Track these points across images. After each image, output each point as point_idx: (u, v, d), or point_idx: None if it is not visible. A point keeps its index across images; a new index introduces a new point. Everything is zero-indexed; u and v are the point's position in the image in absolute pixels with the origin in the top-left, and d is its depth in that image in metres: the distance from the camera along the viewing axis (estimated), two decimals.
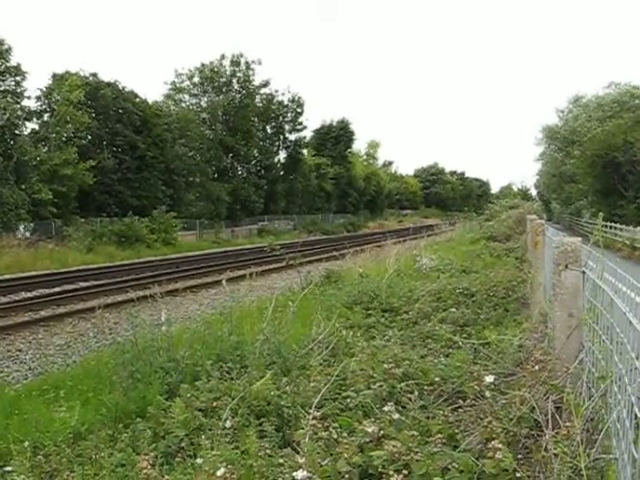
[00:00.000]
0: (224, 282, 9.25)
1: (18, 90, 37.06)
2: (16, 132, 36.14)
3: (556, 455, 2.98)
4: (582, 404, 3.32)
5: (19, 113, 36.43)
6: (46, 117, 40.92)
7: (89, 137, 45.11)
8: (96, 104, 44.61)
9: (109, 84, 46.29)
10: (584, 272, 4.11)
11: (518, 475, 3.07)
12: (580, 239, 4.33)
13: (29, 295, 20.05)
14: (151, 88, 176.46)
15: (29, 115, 38.80)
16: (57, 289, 21.52)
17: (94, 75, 46.42)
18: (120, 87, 47.32)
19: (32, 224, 36.68)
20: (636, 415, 2.39)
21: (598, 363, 3.51)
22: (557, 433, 3.13)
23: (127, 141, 45.66)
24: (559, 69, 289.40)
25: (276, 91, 68.79)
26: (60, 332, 14.14)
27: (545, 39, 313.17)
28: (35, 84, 60.70)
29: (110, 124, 45.28)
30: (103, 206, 43.90)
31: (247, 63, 63.17)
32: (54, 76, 41.58)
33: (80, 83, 40.84)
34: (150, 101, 52.08)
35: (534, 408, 3.54)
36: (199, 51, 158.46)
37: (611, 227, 35.84)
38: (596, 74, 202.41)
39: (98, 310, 9.50)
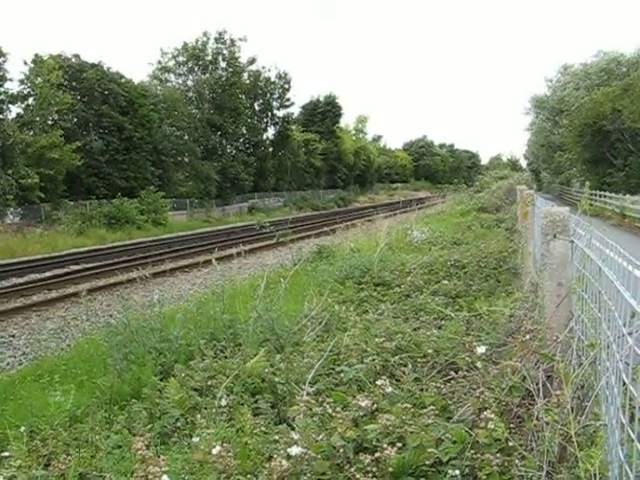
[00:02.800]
0: (214, 261, 9.24)
1: (0, 73, 36.60)
2: (0, 116, 35.79)
3: (547, 423, 3.00)
4: (572, 372, 3.35)
5: (2, 97, 36.03)
6: (31, 100, 40.47)
7: (75, 119, 44.68)
8: (80, 86, 44.19)
9: (93, 65, 45.77)
10: (572, 241, 4.13)
11: (510, 444, 3.10)
12: (568, 208, 4.34)
13: (20, 281, 19.98)
14: (137, 69, 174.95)
15: (12, 99, 38.34)
16: (48, 274, 21.47)
17: (77, 56, 45.91)
18: (105, 68, 46.81)
19: (20, 209, 36.47)
20: (624, 381, 2.42)
21: (587, 331, 3.53)
22: (548, 401, 3.16)
23: (113, 122, 45.29)
24: (548, 38, 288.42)
25: (263, 67, 68.46)
26: (53, 317, 14.14)
27: (534, 8, 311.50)
28: (18, 68, 59.85)
29: (96, 106, 44.86)
30: (92, 188, 43.62)
31: (232, 40, 62.67)
32: (34, 59, 40.89)
33: (58, 64, 40.29)
34: (136, 82, 51.68)
35: (525, 377, 3.57)
36: (185, 30, 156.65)
37: (600, 195, 35.94)
38: (585, 43, 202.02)
39: (83, 294, 9.45)
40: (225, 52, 62.34)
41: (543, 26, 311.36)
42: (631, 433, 2.28)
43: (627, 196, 31.77)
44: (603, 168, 45.11)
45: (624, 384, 2.42)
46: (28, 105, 40.11)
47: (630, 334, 2.43)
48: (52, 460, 4.21)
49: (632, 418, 2.33)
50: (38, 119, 38.79)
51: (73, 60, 45.32)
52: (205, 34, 61.87)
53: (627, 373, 2.42)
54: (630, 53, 57.82)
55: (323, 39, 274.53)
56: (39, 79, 38.98)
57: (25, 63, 39.65)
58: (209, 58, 61.46)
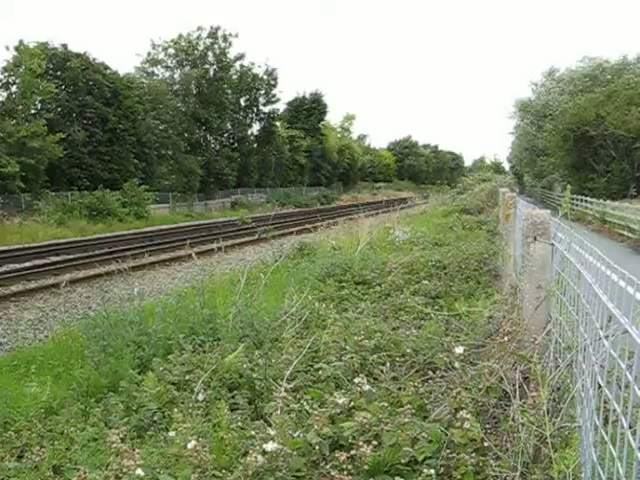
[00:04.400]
0: (194, 255, 9.21)
1: None
2: None
3: (523, 424, 3.03)
4: (549, 374, 3.38)
5: None
6: (14, 88, 40.04)
7: (59, 109, 44.29)
8: (65, 75, 43.81)
9: (78, 55, 45.32)
10: (553, 244, 4.16)
11: (486, 444, 3.12)
12: (549, 211, 4.37)
13: None
14: (123, 61, 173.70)
15: None
16: (27, 264, 21.25)
17: (63, 46, 45.49)
18: (90, 58, 46.40)
19: (0, 198, 36.10)
20: (599, 384, 2.44)
21: (565, 334, 3.56)
22: (524, 403, 3.19)
23: (98, 113, 44.92)
24: (535, 42, 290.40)
25: (252, 63, 68.22)
26: (31, 307, 14.01)
27: (521, 11, 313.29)
28: (1, 55, 59.16)
29: (80, 96, 44.44)
30: (74, 179, 43.24)
31: (224, 36, 62.52)
32: (18, 46, 40.29)
33: (40, 52, 39.87)
34: (122, 73, 51.32)
35: (502, 378, 3.59)
36: (174, 24, 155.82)
37: (582, 200, 36.18)
38: (571, 48, 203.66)
39: (62, 285, 9.39)
40: (216, 47, 62.18)
41: (529, 30, 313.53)
42: (605, 435, 2.31)
43: (608, 202, 32.00)
44: (585, 173, 45.49)
45: (599, 387, 2.44)
46: (11, 93, 39.69)
47: (607, 337, 2.45)
48: (26, 452, 4.17)
49: (606, 420, 2.35)
50: (20, 107, 38.39)
51: (59, 49, 44.89)
52: (199, 28, 61.77)
53: (602, 376, 2.44)
54: (614, 60, 58.42)
55: (311, 36, 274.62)
56: (22, 67, 38.56)
57: (7, 49, 39.22)
58: (198, 53, 61.25)
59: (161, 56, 60.90)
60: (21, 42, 39.45)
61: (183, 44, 60.54)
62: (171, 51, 60.87)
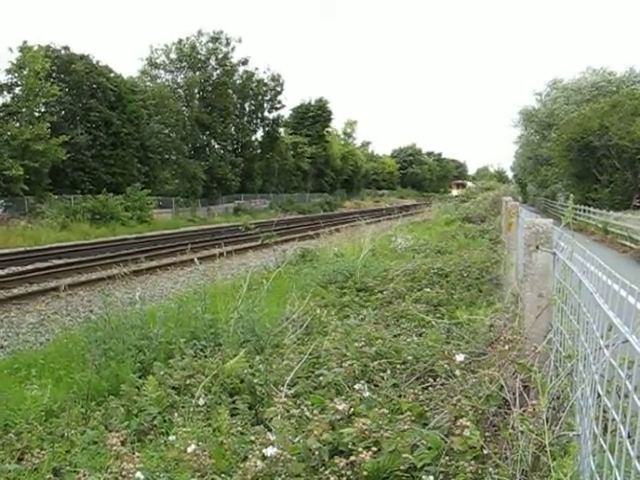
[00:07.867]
0: (196, 260, 9.23)
1: None
2: None
3: (522, 432, 3.03)
4: (549, 383, 3.38)
5: None
6: (17, 90, 40.07)
7: (62, 112, 44.36)
8: (68, 78, 43.84)
9: (82, 57, 45.31)
10: (555, 253, 4.16)
11: (485, 452, 3.12)
12: (552, 220, 4.37)
13: (1, 273, 19.76)
14: (127, 64, 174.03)
15: None
16: (30, 267, 21.28)
17: (66, 48, 45.51)
18: (94, 61, 46.42)
19: (3, 201, 36.14)
20: (599, 393, 2.45)
21: (565, 343, 3.56)
22: (524, 411, 3.18)
23: (101, 117, 44.96)
24: (539, 52, 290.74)
25: (256, 69, 68.33)
26: (33, 310, 14.02)
27: (526, 21, 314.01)
28: (5, 57, 58.97)
29: (84, 99, 44.54)
30: (77, 183, 43.28)
31: (227, 40, 62.60)
32: (22, 48, 40.21)
33: (46, 55, 39.91)
34: (126, 77, 51.36)
35: (503, 387, 3.59)
36: (179, 27, 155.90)
37: (585, 210, 36.15)
38: (575, 58, 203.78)
39: (62, 289, 9.39)
40: (218, 51, 62.24)
41: (534, 39, 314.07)
42: (603, 444, 2.31)
43: (611, 212, 31.96)
44: (588, 183, 45.39)
45: (599, 396, 2.45)
46: (15, 95, 39.75)
47: (607, 347, 2.46)
48: (26, 454, 4.18)
49: (605, 429, 2.36)
50: (24, 110, 38.43)
51: (62, 52, 44.92)
52: (200, 32, 61.84)
53: (602, 385, 2.44)
54: (620, 72, 58.49)
55: (313, 41, 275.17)
56: (26, 69, 38.58)
57: (10, 50, 39.24)
58: (201, 57, 61.27)
59: (162, 59, 60.79)
60: (25, 43, 39.47)
61: (184, 49, 60.49)
62: (173, 55, 60.84)
